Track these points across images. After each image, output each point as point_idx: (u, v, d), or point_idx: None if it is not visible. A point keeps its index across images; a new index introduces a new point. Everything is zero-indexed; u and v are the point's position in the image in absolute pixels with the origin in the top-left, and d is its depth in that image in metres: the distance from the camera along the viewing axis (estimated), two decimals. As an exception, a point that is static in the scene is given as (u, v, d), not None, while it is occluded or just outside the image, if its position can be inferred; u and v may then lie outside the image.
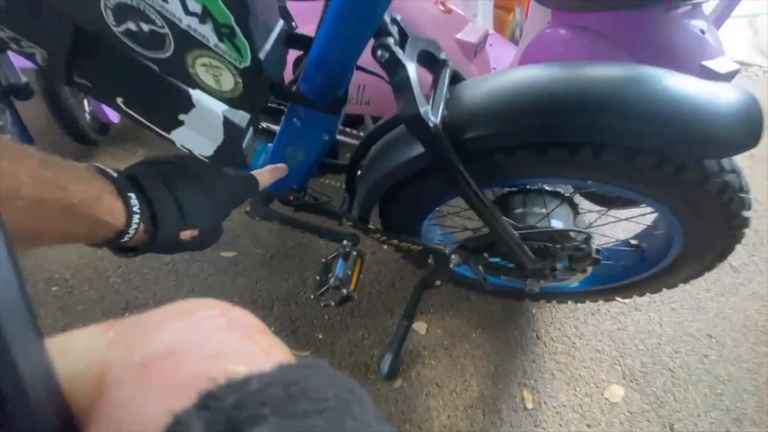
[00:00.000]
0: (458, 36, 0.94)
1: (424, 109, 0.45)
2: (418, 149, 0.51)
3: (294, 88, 0.53)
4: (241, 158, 0.64)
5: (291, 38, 0.50)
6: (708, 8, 0.96)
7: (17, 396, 0.11)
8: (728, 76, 0.79)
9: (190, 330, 0.15)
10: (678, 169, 0.48)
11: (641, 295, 0.82)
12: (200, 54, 0.43)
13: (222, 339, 0.15)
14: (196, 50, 0.43)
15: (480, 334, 0.93)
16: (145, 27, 0.42)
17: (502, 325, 0.96)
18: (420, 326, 0.93)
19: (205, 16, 0.39)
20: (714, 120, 0.44)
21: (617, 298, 0.86)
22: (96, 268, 0.97)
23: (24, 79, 0.89)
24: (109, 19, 0.42)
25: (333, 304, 0.66)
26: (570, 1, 0.91)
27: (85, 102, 1.15)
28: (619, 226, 1.08)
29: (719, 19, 0.97)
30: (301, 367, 0.14)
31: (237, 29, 0.40)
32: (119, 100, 0.55)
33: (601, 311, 1.00)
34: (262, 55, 0.44)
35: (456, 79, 0.55)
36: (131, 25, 0.42)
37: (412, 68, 0.47)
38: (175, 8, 0.39)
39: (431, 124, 0.45)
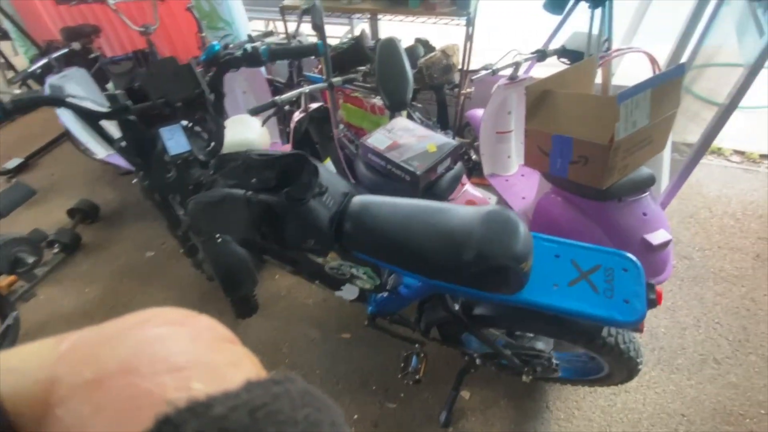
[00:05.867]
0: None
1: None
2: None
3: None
4: (365, 300, 1.26)
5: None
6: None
7: None
8: (661, 246, 1.23)
9: (149, 342, 0.14)
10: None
11: (608, 386, 1.25)
12: (366, 277, 1.06)
13: (184, 351, 0.14)
14: (360, 281, 1.06)
15: (506, 402, 1.42)
16: (336, 275, 1.06)
17: (522, 396, 1.43)
18: (466, 393, 1.45)
19: (366, 275, 1.02)
20: None
21: (596, 386, 1.29)
22: (274, 343, 1.66)
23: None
24: (328, 268, 1.06)
25: (411, 383, 1.23)
26: (562, 185, 1.42)
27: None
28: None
29: (666, 199, 1.40)
30: (272, 384, 0.13)
31: (377, 277, 1.02)
32: (316, 282, 1.20)
33: (597, 391, 1.42)
34: (384, 280, 1.05)
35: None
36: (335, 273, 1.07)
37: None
38: (357, 270, 1.03)
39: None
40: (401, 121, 1.45)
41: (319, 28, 1.20)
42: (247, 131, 1.64)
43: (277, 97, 1.44)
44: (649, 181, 1.28)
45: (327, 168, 0.87)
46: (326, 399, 0.14)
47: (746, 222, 1.91)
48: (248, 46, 0.88)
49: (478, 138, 1.90)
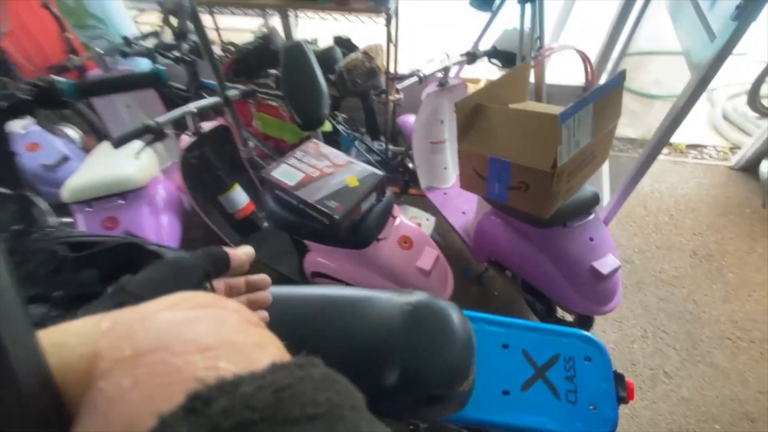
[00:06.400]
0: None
1: None
2: None
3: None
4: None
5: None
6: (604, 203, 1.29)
7: (8, 386, 0.11)
8: (611, 274, 1.11)
9: (183, 322, 0.14)
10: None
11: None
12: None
13: (213, 332, 0.14)
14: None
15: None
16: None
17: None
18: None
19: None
20: None
21: None
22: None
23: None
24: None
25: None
26: (501, 208, 1.26)
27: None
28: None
29: (609, 216, 1.30)
30: (295, 367, 0.13)
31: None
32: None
33: (554, 426, 1.31)
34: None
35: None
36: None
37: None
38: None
39: None
40: (313, 146, 1.20)
41: (183, 36, 0.90)
42: (121, 164, 1.29)
43: (151, 121, 1.12)
44: (594, 201, 1.15)
45: (186, 253, 0.61)
46: (347, 383, 0.15)
47: (680, 218, 1.91)
48: (41, 81, 0.59)
49: (412, 146, 1.71)
